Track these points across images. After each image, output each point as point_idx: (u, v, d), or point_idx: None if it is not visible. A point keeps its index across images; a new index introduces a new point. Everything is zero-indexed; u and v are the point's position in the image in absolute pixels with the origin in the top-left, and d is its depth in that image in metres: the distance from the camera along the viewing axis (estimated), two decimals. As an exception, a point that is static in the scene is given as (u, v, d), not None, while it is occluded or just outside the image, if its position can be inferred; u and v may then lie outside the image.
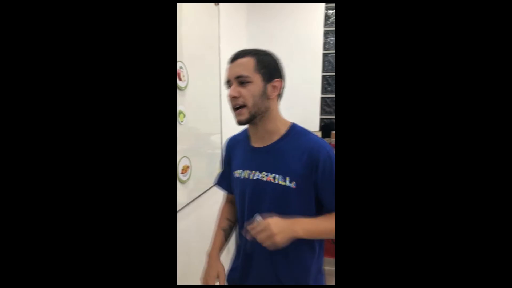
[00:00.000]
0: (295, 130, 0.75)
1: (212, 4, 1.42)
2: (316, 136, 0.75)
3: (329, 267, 2.03)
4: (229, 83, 0.71)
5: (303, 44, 1.98)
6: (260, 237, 0.61)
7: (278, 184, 0.71)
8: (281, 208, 0.70)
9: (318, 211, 0.73)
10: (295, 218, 0.66)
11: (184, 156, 1.17)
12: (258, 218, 0.65)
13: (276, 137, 0.74)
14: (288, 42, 1.97)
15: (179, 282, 1.21)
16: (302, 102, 2.00)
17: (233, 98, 0.70)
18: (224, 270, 0.83)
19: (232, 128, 1.85)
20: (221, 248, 0.87)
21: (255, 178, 0.75)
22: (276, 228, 0.61)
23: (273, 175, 0.72)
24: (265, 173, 0.73)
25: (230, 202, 0.92)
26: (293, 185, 0.70)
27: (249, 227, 0.64)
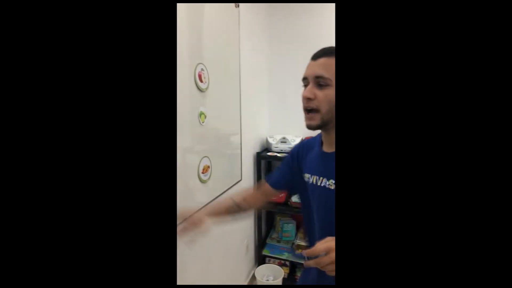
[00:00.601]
0: None
1: (233, 5, 1.44)
2: None
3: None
4: (305, 80, 0.66)
5: (324, 43, 1.95)
6: (328, 268, 0.52)
7: (325, 188, 0.67)
8: (329, 212, 0.65)
9: None
10: None
11: (205, 156, 1.19)
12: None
13: None
14: (309, 42, 1.95)
15: (201, 279, 1.23)
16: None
17: (306, 100, 0.64)
18: (202, 223, 0.80)
19: (251, 129, 1.86)
20: (218, 211, 0.86)
21: (322, 185, 0.69)
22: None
23: (323, 178, 0.67)
24: (332, 181, 0.67)
25: (259, 191, 0.88)
26: (332, 185, 0.65)
27: (313, 262, 0.53)
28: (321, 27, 1.91)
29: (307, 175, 0.74)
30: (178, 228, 0.80)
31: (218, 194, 1.32)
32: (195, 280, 1.20)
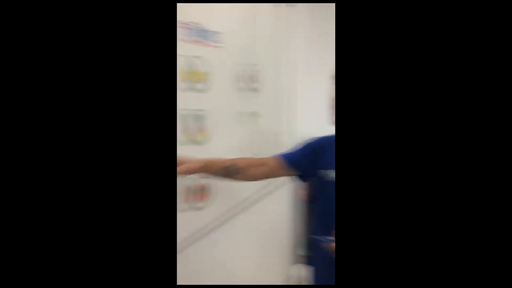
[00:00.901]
0: None
1: (284, 5, 1.45)
2: None
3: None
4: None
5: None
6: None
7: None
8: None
9: None
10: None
11: (254, 155, 1.22)
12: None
13: None
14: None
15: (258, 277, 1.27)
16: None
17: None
18: (195, 171, 0.78)
19: (304, 128, 1.85)
20: (212, 165, 0.82)
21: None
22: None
23: None
24: None
25: (267, 165, 0.86)
26: None
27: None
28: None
29: (330, 171, 0.73)
30: None
31: (265, 191, 1.35)
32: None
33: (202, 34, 0.87)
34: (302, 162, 0.84)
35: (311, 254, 0.76)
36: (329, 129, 0.79)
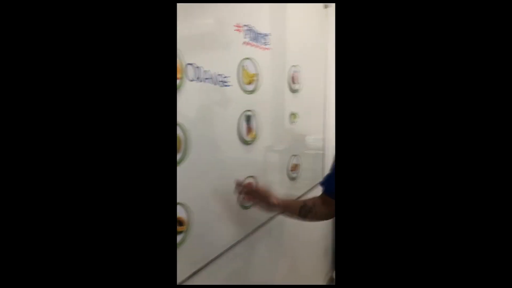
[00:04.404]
0: None
1: (321, 7, 1.45)
2: None
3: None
4: None
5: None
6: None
7: None
8: None
9: None
10: None
11: (294, 155, 1.23)
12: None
13: None
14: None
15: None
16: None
17: None
18: (274, 208, 0.83)
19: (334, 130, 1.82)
20: (289, 205, 0.85)
21: None
22: None
23: None
24: None
25: (321, 202, 0.83)
26: None
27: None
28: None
29: None
30: (240, 188, 0.84)
31: (303, 192, 1.36)
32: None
33: (254, 36, 0.89)
34: (325, 181, 0.82)
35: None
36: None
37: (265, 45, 0.94)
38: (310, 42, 1.33)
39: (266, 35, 0.94)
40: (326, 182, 0.82)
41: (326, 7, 1.48)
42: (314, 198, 0.84)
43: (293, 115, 1.20)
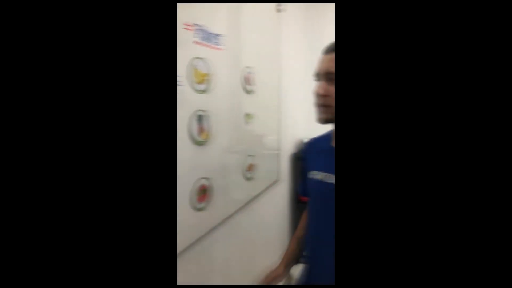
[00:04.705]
0: None
1: (274, 9, 1.49)
2: None
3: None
4: (318, 76, 0.65)
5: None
6: None
7: (331, 184, 0.65)
8: (331, 208, 0.62)
9: None
10: None
11: (249, 155, 1.25)
12: None
13: None
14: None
15: (249, 277, 1.28)
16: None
17: (319, 96, 0.63)
18: (284, 275, 0.83)
19: (289, 130, 1.89)
20: (292, 255, 0.86)
21: (330, 181, 0.67)
22: None
23: (330, 174, 0.66)
24: (328, 174, 0.67)
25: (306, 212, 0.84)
26: (334, 180, 0.63)
27: None
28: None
29: (314, 172, 0.73)
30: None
31: (258, 192, 1.37)
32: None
33: (205, 36, 0.88)
34: (303, 188, 0.82)
35: (307, 253, 0.77)
36: (320, 130, 0.80)
37: (217, 45, 0.94)
38: (263, 44, 1.36)
39: (218, 35, 0.94)
40: (302, 187, 0.82)
41: (279, 11, 1.52)
42: (301, 223, 0.86)
43: (248, 115, 1.21)
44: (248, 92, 1.19)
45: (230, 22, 1.03)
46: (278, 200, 1.76)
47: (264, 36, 1.37)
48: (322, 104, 0.64)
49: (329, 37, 1.87)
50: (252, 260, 1.40)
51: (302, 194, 0.83)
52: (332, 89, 0.63)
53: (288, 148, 1.81)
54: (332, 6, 1.95)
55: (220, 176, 1.02)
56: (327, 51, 0.65)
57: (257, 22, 1.28)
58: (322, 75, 0.64)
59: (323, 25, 2.02)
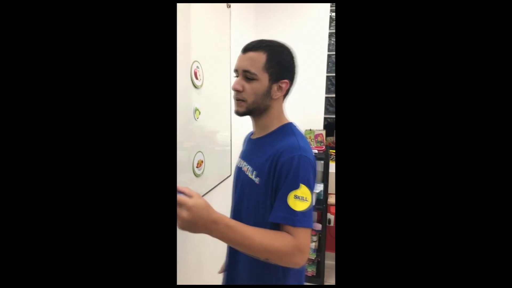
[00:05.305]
0: (283, 129, 0.72)
1: (225, 6, 1.48)
2: (296, 139, 0.67)
3: (330, 261, 2.10)
4: (236, 72, 0.71)
5: (308, 45, 2.04)
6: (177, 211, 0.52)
7: (247, 176, 0.71)
8: (246, 201, 0.70)
9: None
10: (221, 215, 0.57)
11: (199, 151, 1.23)
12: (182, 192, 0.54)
13: (266, 132, 0.74)
14: (294, 42, 2.03)
15: (193, 272, 1.27)
16: (307, 101, 2.06)
17: (236, 91, 0.69)
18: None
19: (242, 125, 1.91)
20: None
21: (240, 166, 0.77)
22: (192, 211, 0.51)
23: (248, 166, 0.73)
24: (245, 164, 0.74)
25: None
26: (257, 180, 0.67)
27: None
28: (310, 27, 1.99)
29: (239, 160, 0.81)
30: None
31: (210, 188, 1.36)
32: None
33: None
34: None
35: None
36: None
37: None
38: (213, 39, 1.34)
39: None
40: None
41: (229, 7, 1.51)
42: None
43: (197, 111, 1.19)
44: (197, 87, 1.17)
45: (178, 15, 1.00)
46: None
47: (213, 31, 1.35)
48: (239, 98, 0.69)
49: (278, 34, 1.93)
50: (203, 259, 1.39)
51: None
52: (247, 85, 0.68)
53: (240, 143, 1.82)
54: (281, 5, 2.00)
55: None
56: (245, 50, 0.69)
57: (206, 16, 1.26)
58: (240, 72, 0.69)
59: (272, 23, 2.06)
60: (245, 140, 0.88)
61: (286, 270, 0.69)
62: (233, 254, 0.78)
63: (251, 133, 0.84)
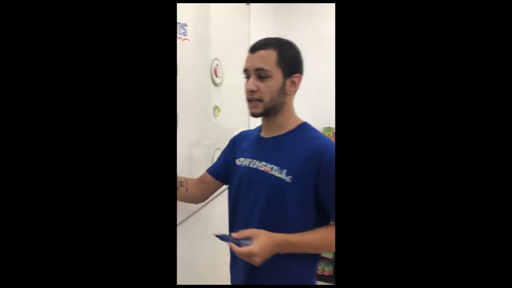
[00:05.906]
0: (304, 127, 0.73)
1: (244, 4, 1.48)
2: (325, 136, 0.71)
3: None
4: (246, 72, 0.70)
5: (329, 43, 2.01)
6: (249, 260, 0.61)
7: (273, 176, 0.69)
8: (275, 201, 0.68)
9: (319, 212, 0.69)
10: (282, 236, 0.64)
11: (218, 149, 1.24)
12: (245, 242, 0.62)
13: (284, 131, 0.73)
14: (314, 42, 2.00)
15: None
16: (326, 99, 2.03)
17: (250, 92, 0.68)
18: None
19: (260, 123, 1.91)
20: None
21: (254, 167, 0.73)
22: (259, 251, 0.60)
23: (271, 165, 0.70)
24: (264, 163, 0.71)
25: (200, 181, 0.88)
26: (288, 179, 0.67)
27: (233, 248, 0.62)
28: (331, 28, 1.97)
29: (241, 159, 0.79)
30: None
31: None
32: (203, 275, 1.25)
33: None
34: (218, 168, 0.87)
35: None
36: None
37: (183, 35, 0.92)
38: (232, 37, 1.35)
39: (184, 25, 0.92)
40: (212, 165, 0.88)
41: (248, 4, 1.51)
42: (191, 178, 0.88)
43: (217, 108, 1.20)
44: (217, 84, 1.18)
45: (197, 12, 1.02)
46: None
47: (233, 29, 1.36)
48: (254, 98, 0.69)
49: (298, 32, 1.91)
50: (220, 254, 1.40)
51: (209, 171, 0.88)
52: (261, 84, 0.67)
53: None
54: (301, 5, 1.98)
55: (187, 170, 1.01)
56: (254, 49, 0.69)
57: (226, 14, 1.27)
58: (252, 72, 0.68)
59: (292, 21, 2.05)
60: (241, 140, 0.86)
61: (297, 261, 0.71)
62: (233, 255, 0.79)
63: (252, 133, 0.83)
